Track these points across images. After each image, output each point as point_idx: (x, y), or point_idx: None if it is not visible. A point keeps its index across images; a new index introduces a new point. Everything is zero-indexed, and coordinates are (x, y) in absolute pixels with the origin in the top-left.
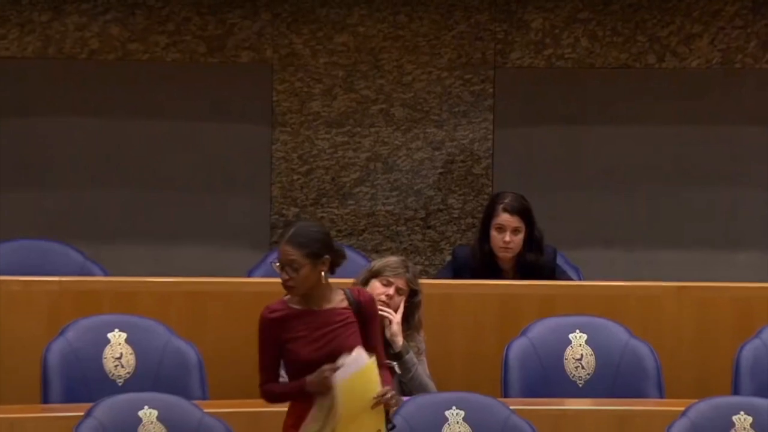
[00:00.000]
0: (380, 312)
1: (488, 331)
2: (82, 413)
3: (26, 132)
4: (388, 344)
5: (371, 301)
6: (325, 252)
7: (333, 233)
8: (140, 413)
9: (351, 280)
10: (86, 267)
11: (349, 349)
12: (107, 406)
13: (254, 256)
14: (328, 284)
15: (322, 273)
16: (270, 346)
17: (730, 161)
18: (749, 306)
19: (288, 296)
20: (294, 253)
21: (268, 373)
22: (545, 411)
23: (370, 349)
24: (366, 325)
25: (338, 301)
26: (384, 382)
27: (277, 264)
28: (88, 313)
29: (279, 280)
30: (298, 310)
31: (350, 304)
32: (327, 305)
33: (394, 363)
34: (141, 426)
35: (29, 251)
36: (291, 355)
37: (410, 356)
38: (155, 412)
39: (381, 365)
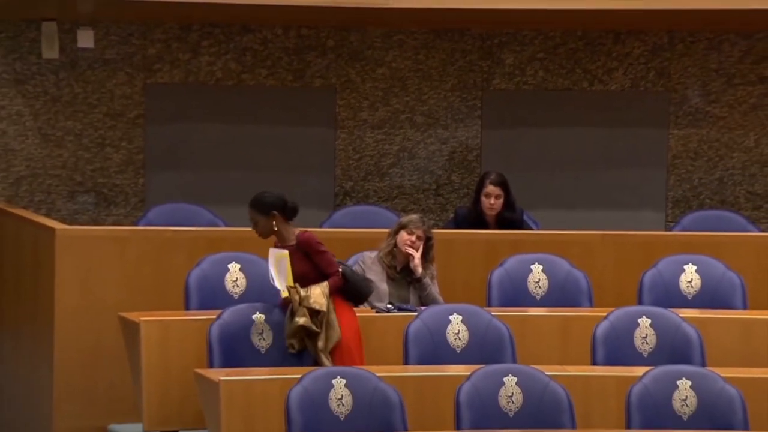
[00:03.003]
0: (407, 251)
1: (478, 264)
2: (212, 317)
3: (174, 133)
4: (406, 271)
5: (306, 241)
6: (271, 209)
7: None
8: (254, 317)
9: (386, 230)
10: (213, 221)
11: (294, 271)
12: (231, 312)
13: (324, 214)
14: (288, 228)
15: (273, 222)
16: None
17: (638, 151)
18: (650, 247)
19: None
20: (251, 213)
21: None
22: (514, 316)
23: (318, 267)
24: (308, 255)
25: (291, 240)
26: (331, 286)
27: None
28: (214, 251)
29: (339, 229)
30: (278, 245)
31: (296, 243)
32: (286, 243)
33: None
34: (254, 326)
35: (177, 211)
36: None
37: (426, 280)
38: (263, 316)
39: (332, 274)
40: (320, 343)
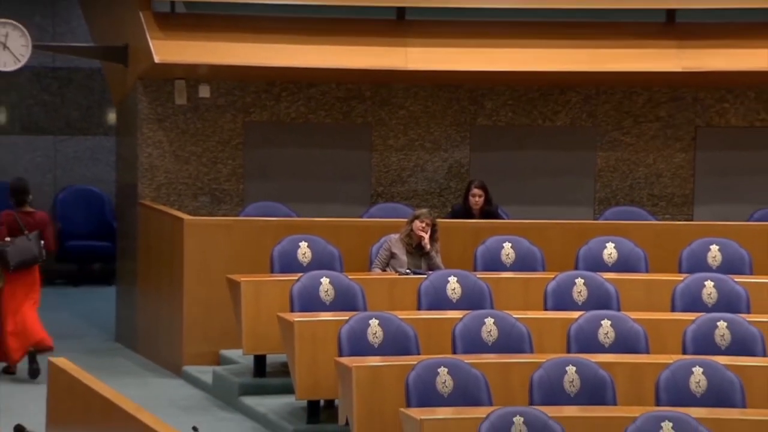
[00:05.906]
0: (419, 234)
1: (467, 244)
2: (290, 278)
3: (263, 155)
4: (419, 247)
5: (41, 218)
6: (11, 195)
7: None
8: (321, 279)
9: (405, 220)
10: (289, 214)
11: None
12: (306, 277)
13: (363, 209)
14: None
15: (14, 203)
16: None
17: (575, 166)
18: (583, 231)
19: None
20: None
21: None
22: (492, 277)
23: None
24: None
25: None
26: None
27: None
28: (290, 234)
29: (374, 219)
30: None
31: None
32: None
33: None
34: (321, 287)
35: (265, 207)
36: None
37: (433, 253)
38: (328, 279)
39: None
40: None
